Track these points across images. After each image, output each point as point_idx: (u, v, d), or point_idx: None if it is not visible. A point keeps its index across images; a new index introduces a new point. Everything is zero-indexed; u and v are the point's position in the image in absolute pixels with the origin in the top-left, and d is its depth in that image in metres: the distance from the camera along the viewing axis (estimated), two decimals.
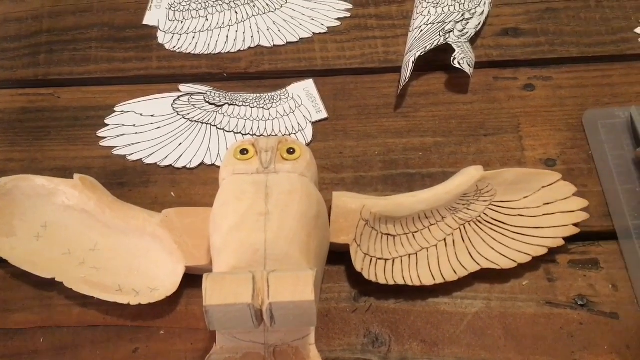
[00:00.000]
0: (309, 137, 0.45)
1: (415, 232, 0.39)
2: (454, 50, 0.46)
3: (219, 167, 0.43)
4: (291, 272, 0.31)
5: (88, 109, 0.46)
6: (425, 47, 0.46)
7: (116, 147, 0.44)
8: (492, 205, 0.40)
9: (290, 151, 0.38)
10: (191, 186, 0.43)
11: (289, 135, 0.45)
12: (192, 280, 0.38)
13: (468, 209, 0.40)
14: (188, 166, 0.43)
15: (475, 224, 0.40)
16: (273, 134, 0.45)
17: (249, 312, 0.30)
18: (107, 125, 0.45)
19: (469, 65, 0.45)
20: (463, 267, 0.38)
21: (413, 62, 0.45)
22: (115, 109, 0.46)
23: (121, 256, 0.39)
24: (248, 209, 0.35)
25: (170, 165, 0.43)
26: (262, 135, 0.45)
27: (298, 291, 0.30)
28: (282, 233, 0.34)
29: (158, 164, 0.44)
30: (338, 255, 0.39)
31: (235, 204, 0.35)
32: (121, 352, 0.37)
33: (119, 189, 0.42)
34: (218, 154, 0.44)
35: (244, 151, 0.38)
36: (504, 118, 0.45)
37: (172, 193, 0.42)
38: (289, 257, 0.33)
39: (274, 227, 0.34)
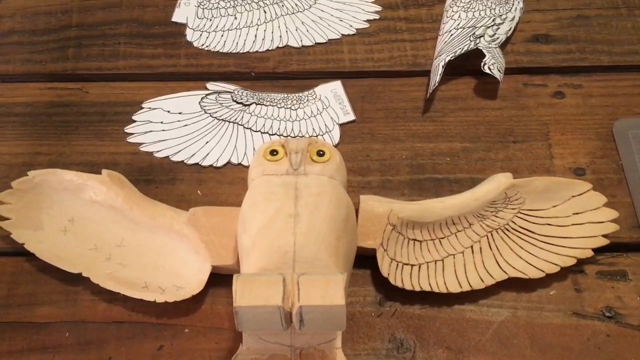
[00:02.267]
0: (336, 139, 0.44)
1: (442, 238, 0.39)
2: (484, 56, 0.45)
3: (245, 166, 0.44)
4: (321, 275, 0.31)
5: (116, 105, 0.46)
6: (456, 51, 0.46)
7: (143, 143, 0.45)
8: (521, 213, 0.40)
9: (320, 153, 0.37)
10: (217, 185, 0.43)
11: (316, 136, 0.45)
12: (217, 279, 0.38)
13: (496, 217, 0.40)
14: (215, 165, 0.43)
15: (503, 232, 0.39)
16: (300, 134, 0.45)
17: (279, 314, 0.30)
18: (134, 121, 0.46)
19: (499, 71, 0.45)
20: (490, 275, 0.38)
21: (443, 67, 0.45)
22: (143, 105, 0.46)
23: (147, 253, 0.39)
24: (277, 210, 0.35)
25: (197, 163, 0.43)
26: (289, 135, 0.45)
27: (329, 295, 0.30)
28: (311, 235, 0.34)
29: (185, 161, 0.44)
30: (363, 259, 0.38)
31: (265, 205, 0.35)
32: (146, 349, 0.37)
33: (145, 186, 0.42)
34: (245, 153, 0.44)
35: (273, 152, 0.38)
36: (533, 125, 0.45)
37: (199, 191, 0.42)
38: (317, 260, 0.33)
39: (303, 229, 0.34)
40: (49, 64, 0.49)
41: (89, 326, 0.38)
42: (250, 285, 0.31)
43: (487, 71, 0.45)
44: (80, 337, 0.37)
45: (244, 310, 0.30)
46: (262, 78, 0.48)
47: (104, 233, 0.40)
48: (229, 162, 0.44)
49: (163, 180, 0.43)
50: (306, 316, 0.30)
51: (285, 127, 0.45)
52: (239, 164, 0.43)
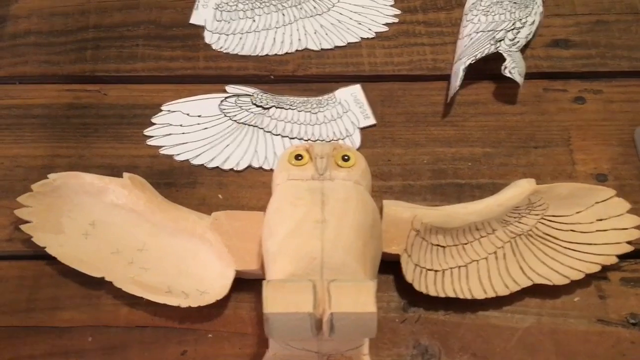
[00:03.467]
0: (357, 143, 0.44)
1: (466, 243, 0.39)
2: (504, 60, 0.45)
3: (266, 170, 0.43)
4: (352, 282, 0.31)
5: (134, 107, 0.46)
6: (476, 55, 0.45)
7: (163, 146, 0.44)
8: (544, 219, 0.40)
9: (345, 158, 0.37)
10: (239, 189, 0.43)
11: (337, 140, 0.44)
12: (240, 284, 0.38)
13: (519, 222, 0.39)
14: (235, 168, 0.43)
15: (527, 238, 0.39)
16: (320, 138, 0.45)
17: (310, 321, 0.30)
18: (153, 124, 0.45)
19: (519, 75, 0.44)
20: (515, 281, 0.38)
21: (464, 71, 0.45)
22: (162, 108, 0.46)
23: (169, 257, 0.39)
24: (304, 215, 0.34)
25: (218, 167, 0.43)
26: (309, 139, 0.45)
27: (360, 302, 0.30)
28: (339, 242, 0.34)
29: (205, 165, 0.43)
30: (386, 264, 0.38)
31: (291, 210, 0.35)
32: (169, 354, 0.37)
33: (166, 189, 0.42)
34: (265, 157, 0.44)
35: (298, 156, 0.37)
36: (554, 131, 0.45)
37: (220, 195, 0.42)
38: (345, 267, 0.33)
39: (331, 235, 0.34)
40: (66, 66, 0.48)
41: (111, 330, 0.37)
42: (281, 291, 0.30)
43: (508, 75, 0.44)
44: (103, 342, 0.37)
45: (275, 317, 0.30)
46: (282, 81, 0.48)
47: (125, 237, 0.40)
48: (249, 166, 0.43)
49: (184, 184, 0.43)
50: (337, 323, 0.30)
51: (306, 131, 0.45)
52: (260, 167, 0.43)
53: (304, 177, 0.37)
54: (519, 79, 0.44)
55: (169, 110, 0.46)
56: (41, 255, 0.39)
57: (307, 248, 0.33)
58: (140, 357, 0.36)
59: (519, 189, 0.40)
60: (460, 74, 0.45)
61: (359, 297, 0.30)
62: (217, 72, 0.48)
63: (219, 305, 0.37)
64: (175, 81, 0.48)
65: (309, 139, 0.45)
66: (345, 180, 0.36)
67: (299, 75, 0.48)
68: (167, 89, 0.47)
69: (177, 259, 0.39)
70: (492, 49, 0.46)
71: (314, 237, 0.34)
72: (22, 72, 0.48)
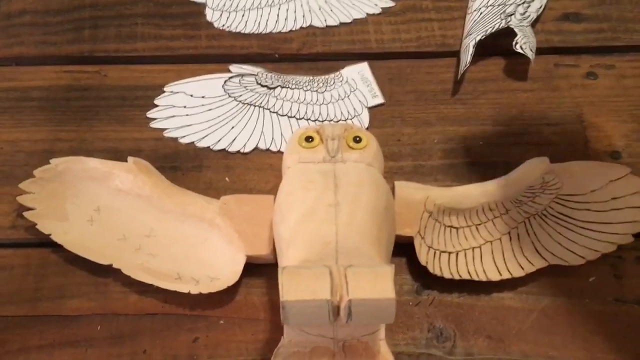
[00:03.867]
0: (366, 123, 0.43)
1: (479, 224, 0.38)
2: (514, 35, 0.44)
3: (273, 152, 0.42)
4: (370, 267, 0.30)
5: (136, 89, 0.45)
6: (486, 30, 0.44)
7: (167, 129, 0.43)
8: (558, 198, 0.39)
9: (357, 139, 0.36)
10: (245, 171, 0.42)
11: (346, 120, 0.43)
12: (250, 269, 0.37)
13: (533, 202, 0.39)
14: (242, 150, 0.42)
15: (541, 218, 0.39)
16: (328, 118, 0.44)
17: (327, 308, 0.29)
18: (156, 106, 0.44)
19: (531, 51, 0.43)
20: (530, 262, 0.37)
21: (474, 47, 0.44)
22: (165, 89, 0.45)
23: (178, 243, 0.38)
24: (317, 199, 0.34)
25: (224, 149, 0.42)
26: (317, 120, 0.44)
27: (378, 288, 0.30)
28: (353, 225, 0.33)
29: (211, 147, 0.42)
30: (398, 247, 0.37)
31: (303, 194, 0.34)
32: (181, 342, 0.36)
33: (171, 173, 0.41)
34: (272, 138, 0.43)
35: (308, 138, 0.36)
36: (567, 107, 0.44)
37: (227, 178, 0.41)
38: (360, 251, 0.32)
39: (345, 219, 0.33)
40: (64, 46, 0.47)
41: (121, 319, 0.37)
42: (297, 278, 0.30)
43: (519, 50, 0.43)
44: (112, 330, 0.36)
45: (291, 305, 0.29)
46: (286, 60, 0.46)
47: (131, 223, 0.39)
48: (256, 148, 0.42)
49: (189, 167, 0.42)
50: (355, 309, 0.29)
51: (313, 111, 0.44)
52: (267, 149, 0.42)
53: (315, 160, 0.36)
54: (530, 54, 0.43)
55: (171, 92, 0.45)
56: (45, 243, 0.38)
57: (321, 233, 0.33)
58: (152, 345, 0.36)
59: (533, 167, 0.39)
60: (470, 50, 0.44)
61: (376, 283, 0.30)
62: (220, 51, 0.47)
63: (230, 291, 0.37)
64: (177, 61, 0.46)
65: (316, 120, 0.44)
66: (357, 163, 0.36)
67: (304, 54, 0.47)
68: (169, 69, 0.46)
69: (185, 245, 0.38)
70: (503, 24, 0.45)
71: (328, 222, 0.33)
72: (18, 53, 0.47)
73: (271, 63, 0.46)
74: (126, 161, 0.39)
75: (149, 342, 0.36)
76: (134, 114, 0.44)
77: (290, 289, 0.29)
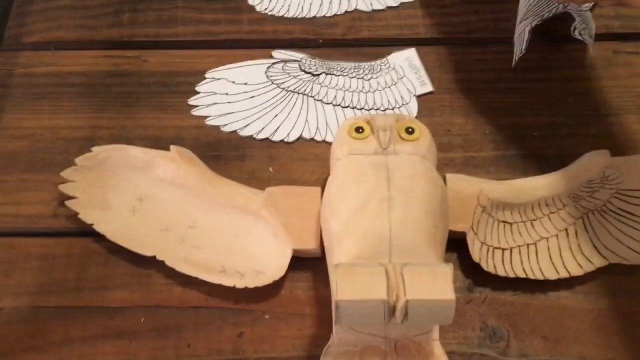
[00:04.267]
0: (414, 112, 0.42)
1: (534, 220, 0.37)
2: (571, 20, 0.42)
3: (318, 141, 0.41)
4: (427, 266, 0.29)
5: (177, 75, 0.44)
6: (543, 15, 0.42)
7: (209, 116, 0.42)
8: (618, 193, 0.37)
9: (409, 130, 0.35)
10: (290, 161, 0.40)
11: (392, 109, 0.42)
12: (296, 262, 0.36)
13: (592, 197, 0.37)
14: (285, 140, 0.41)
15: (600, 214, 0.37)
16: (375, 107, 0.42)
17: (383, 308, 0.28)
18: (197, 92, 0.43)
19: (589, 37, 0.41)
20: (589, 261, 0.35)
21: (529, 32, 0.41)
22: (206, 75, 0.44)
23: (222, 235, 0.37)
24: (369, 193, 0.32)
25: (267, 138, 0.41)
26: (363, 108, 0.42)
27: (436, 288, 0.28)
28: (408, 221, 0.31)
29: (254, 136, 0.41)
30: (449, 242, 0.36)
31: (355, 187, 0.33)
32: (225, 336, 0.35)
33: (214, 162, 0.40)
34: (317, 127, 0.41)
35: (359, 129, 0.35)
36: (626, 97, 0.42)
37: (270, 168, 0.40)
38: (415, 248, 0.31)
39: (399, 214, 0.32)
40: (103, 30, 0.46)
41: (165, 311, 0.36)
42: (352, 277, 0.28)
43: (577, 37, 0.41)
44: (156, 323, 0.36)
45: (346, 304, 0.28)
46: (331, 45, 0.45)
47: (174, 213, 0.38)
48: (300, 137, 0.41)
49: (232, 157, 0.41)
50: (412, 310, 0.28)
51: (359, 99, 0.42)
52: (312, 139, 0.41)
53: (367, 152, 0.34)
54: (589, 40, 0.41)
55: (213, 78, 0.44)
56: (87, 232, 0.37)
57: (374, 228, 0.31)
58: (196, 338, 0.35)
59: (592, 161, 0.37)
60: (526, 35, 0.42)
61: (435, 283, 0.28)
62: (262, 37, 0.45)
63: (275, 285, 0.36)
64: (218, 46, 0.45)
65: (362, 108, 0.42)
66: (410, 155, 0.34)
67: (349, 39, 0.45)
68: (209, 54, 0.45)
69: (230, 237, 0.37)
70: (560, 8, 0.42)
71: (381, 217, 0.31)
72: (57, 37, 0.46)
73: (315, 49, 0.45)
74: (168, 150, 0.38)
75: (193, 335, 0.35)
76: (175, 101, 0.43)
77: (345, 288, 0.28)
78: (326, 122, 0.42)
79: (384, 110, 0.42)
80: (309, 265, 0.37)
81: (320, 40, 0.45)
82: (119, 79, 0.44)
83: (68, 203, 0.38)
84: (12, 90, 0.43)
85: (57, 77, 0.44)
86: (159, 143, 0.41)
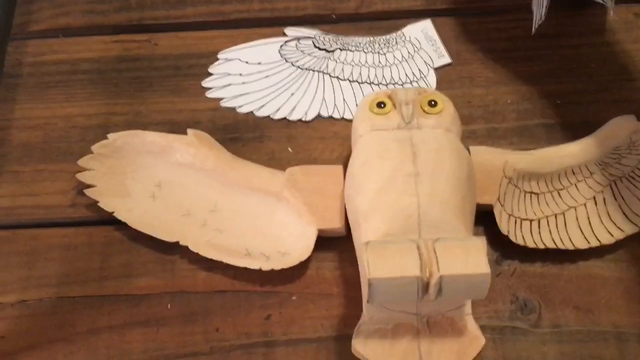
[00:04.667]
0: (433, 85, 0.41)
1: (562, 189, 0.36)
2: None
3: (336, 119, 0.40)
4: (459, 241, 0.29)
5: (189, 57, 0.43)
6: None
7: (224, 98, 0.41)
8: None
9: (432, 103, 0.34)
10: (309, 141, 0.40)
11: (411, 83, 0.41)
12: (320, 242, 0.35)
13: (619, 164, 0.36)
14: (303, 119, 0.40)
15: (628, 181, 0.36)
16: (393, 81, 0.41)
17: (416, 285, 0.28)
18: (211, 74, 0.42)
19: (610, 0, 0.40)
20: (619, 228, 0.35)
21: None
22: (219, 56, 0.43)
23: (243, 217, 0.37)
24: (395, 169, 0.32)
25: (285, 117, 0.40)
26: (380, 83, 0.41)
27: (471, 263, 0.28)
28: (436, 196, 0.31)
29: (271, 116, 0.41)
30: (476, 215, 0.35)
31: (379, 164, 0.32)
32: (253, 319, 0.35)
33: (231, 145, 0.39)
34: (334, 104, 0.41)
35: (380, 104, 0.34)
36: None
37: (289, 148, 0.39)
38: (444, 223, 0.31)
39: (426, 189, 0.31)
40: (112, 15, 0.45)
41: (191, 296, 0.36)
42: (384, 254, 0.28)
43: (598, 0, 0.40)
44: (183, 308, 0.35)
45: (379, 282, 0.28)
46: (344, 20, 0.44)
47: (194, 198, 0.37)
48: (318, 115, 0.40)
49: (250, 138, 0.40)
50: (446, 286, 0.28)
51: (376, 74, 0.41)
52: (330, 116, 0.40)
53: (390, 127, 0.34)
54: (610, 3, 0.40)
55: (226, 59, 0.43)
56: (108, 221, 0.37)
57: (402, 204, 0.31)
58: (224, 322, 0.35)
59: (619, 127, 0.37)
60: (545, 1, 0.40)
61: (469, 257, 0.28)
62: (274, 14, 0.44)
63: (300, 266, 0.35)
64: (230, 26, 0.44)
65: (379, 83, 0.41)
66: (434, 129, 0.33)
67: (362, 13, 0.44)
68: (221, 35, 0.44)
69: (252, 219, 0.37)
70: None
71: (408, 193, 0.31)
72: (65, 24, 0.45)
73: (328, 24, 0.44)
74: (185, 133, 0.38)
75: (220, 319, 0.35)
76: (188, 84, 0.42)
77: (377, 266, 0.28)
78: (343, 99, 0.41)
79: (402, 85, 0.41)
80: (334, 244, 0.36)
81: (333, 16, 0.44)
82: (131, 64, 0.43)
83: (87, 192, 0.37)
84: (22, 80, 0.43)
85: (67, 65, 0.43)
86: (175, 127, 0.40)
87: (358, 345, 0.31)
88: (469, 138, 0.39)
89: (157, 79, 0.42)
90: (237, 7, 0.45)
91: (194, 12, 0.45)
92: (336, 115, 0.40)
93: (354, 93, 0.41)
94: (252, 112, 0.41)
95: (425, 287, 0.28)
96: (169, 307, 0.35)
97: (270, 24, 0.44)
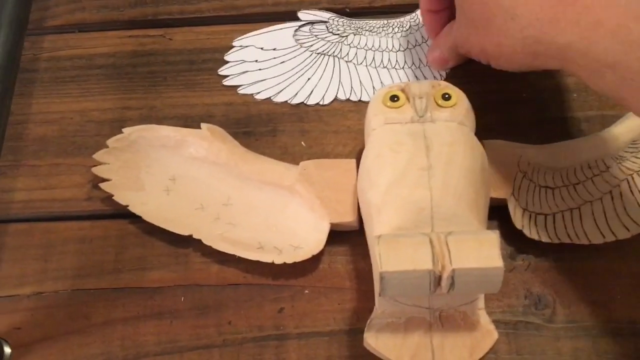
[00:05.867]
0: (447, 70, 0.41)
1: (577, 183, 0.36)
2: None
3: (353, 102, 0.40)
4: (472, 234, 0.28)
5: (203, 52, 0.43)
6: None
7: (241, 85, 0.41)
8: None
9: (446, 97, 0.34)
10: (322, 135, 0.40)
11: (427, 66, 0.41)
12: (333, 236, 0.35)
13: (636, 157, 0.36)
14: (321, 103, 0.40)
15: None
16: (406, 66, 0.41)
17: (429, 278, 0.28)
18: (227, 62, 0.42)
19: None
20: (635, 222, 0.34)
21: None
22: (234, 43, 0.43)
23: (257, 211, 0.37)
24: (408, 162, 0.32)
25: (302, 102, 0.40)
26: (395, 67, 0.41)
27: (483, 256, 0.28)
28: (449, 190, 0.31)
29: (289, 102, 0.40)
30: (489, 209, 0.35)
31: (392, 157, 0.32)
32: (266, 312, 0.35)
33: (245, 139, 0.39)
34: (351, 88, 0.41)
35: (394, 98, 0.34)
36: None
37: (302, 142, 0.39)
38: (457, 217, 0.30)
39: (439, 183, 0.31)
40: (127, 10, 0.45)
41: (204, 289, 0.36)
42: (396, 247, 0.28)
43: None
44: (196, 302, 0.36)
45: (391, 276, 0.28)
46: (359, 14, 0.44)
47: (208, 191, 0.37)
48: (335, 99, 0.40)
49: (263, 132, 0.40)
50: (459, 280, 0.28)
51: (389, 59, 0.41)
52: (347, 99, 0.40)
53: (403, 120, 0.33)
54: None
55: (241, 46, 0.43)
56: (122, 214, 0.37)
57: (414, 198, 0.31)
58: (236, 315, 0.35)
59: (635, 120, 0.36)
60: None
61: (482, 251, 0.28)
62: (288, 8, 0.44)
63: (313, 260, 0.35)
64: (244, 20, 0.44)
65: (394, 67, 0.41)
66: (448, 122, 0.33)
67: (377, 7, 0.44)
68: (235, 29, 0.44)
69: (265, 213, 0.37)
70: None
71: (421, 186, 0.31)
72: (80, 19, 0.45)
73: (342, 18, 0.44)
74: (199, 128, 0.38)
75: (233, 313, 0.35)
76: (202, 78, 0.42)
77: (389, 259, 0.28)
78: (360, 82, 0.41)
79: (417, 68, 0.41)
80: (347, 238, 0.36)
81: (347, 9, 0.44)
82: (145, 59, 0.43)
83: (102, 185, 0.37)
84: (39, 74, 0.43)
85: (83, 60, 0.44)
86: (189, 121, 0.40)
87: (370, 338, 0.31)
88: (483, 131, 0.38)
89: (171, 74, 0.43)
90: (251, 1, 0.45)
91: (208, 7, 0.45)
92: (353, 98, 0.40)
93: (370, 76, 0.41)
94: (269, 98, 0.41)
95: (438, 280, 0.28)
96: (182, 299, 0.36)
97: (284, 18, 0.44)
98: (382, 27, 0.42)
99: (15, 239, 0.38)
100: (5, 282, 0.37)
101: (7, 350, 0.35)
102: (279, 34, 0.43)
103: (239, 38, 0.43)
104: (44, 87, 0.43)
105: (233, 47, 0.43)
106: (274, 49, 0.42)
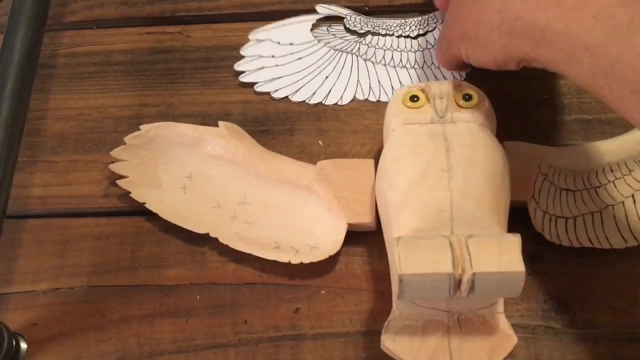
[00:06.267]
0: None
1: (599, 187, 0.35)
2: None
3: (369, 110, 0.40)
4: (493, 237, 0.28)
5: (221, 49, 0.43)
6: None
7: (257, 82, 0.41)
8: None
9: (467, 97, 0.34)
10: (339, 134, 0.39)
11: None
12: (350, 237, 0.35)
13: None
14: (339, 103, 0.40)
15: None
16: (425, 66, 0.41)
17: (448, 282, 0.27)
18: (243, 57, 0.42)
19: None
20: None
21: None
22: (250, 37, 0.43)
23: (273, 210, 0.37)
24: (427, 164, 0.31)
25: (320, 102, 0.40)
26: (413, 67, 0.41)
27: (504, 261, 0.27)
28: (469, 192, 0.30)
29: (307, 101, 0.40)
30: (509, 212, 0.35)
31: (412, 158, 0.32)
32: (282, 312, 0.35)
33: (262, 137, 0.39)
34: (370, 87, 0.40)
35: (414, 98, 0.34)
36: None
37: (320, 142, 0.39)
38: (477, 220, 0.30)
39: (459, 185, 0.30)
40: (145, 7, 0.45)
41: (220, 288, 0.36)
42: (415, 250, 0.28)
43: None
44: (212, 300, 0.35)
45: (410, 278, 0.27)
46: (378, 12, 0.43)
47: (225, 190, 0.37)
48: (354, 99, 0.40)
49: (280, 131, 0.40)
50: (479, 283, 0.27)
51: (408, 58, 0.41)
52: (365, 99, 0.40)
53: (423, 121, 0.33)
54: None
55: (257, 40, 0.42)
56: (139, 211, 0.37)
57: (434, 200, 0.30)
58: (252, 315, 0.35)
59: None
60: None
61: (502, 255, 0.27)
62: (307, 6, 0.44)
63: (330, 260, 0.35)
64: (262, 18, 0.44)
65: (413, 67, 0.41)
66: (469, 123, 0.33)
67: (396, 5, 0.43)
68: (253, 27, 0.43)
69: (282, 212, 0.36)
70: None
71: (441, 188, 0.30)
72: (99, 16, 0.45)
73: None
74: (216, 125, 0.38)
75: (249, 312, 0.35)
76: (220, 76, 0.42)
77: (408, 262, 0.27)
78: (379, 82, 0.40)
79: (437, 67, 0.41)
80: (364, 239, 0.36)
81: (366, 8, 0.43)
82: (163, 56, 0.43)
83: (119, 182, 0.37)
84: (57, 70, 0.43)
85: (101, 56, 0.44)
86: (206, 119, 0.40)
87: (387, 341, 0.30)
88: (504, 132, 0.38)
89: (188, 71, 0.42)
90: None
91: (226, 4, 0.45)
92: (372, 98, 0.40)
93: (389, 75, 0.41)
94: (287, 97, 0.41)
95: (457, 284, 0.28)
96: (198, 298, 0.36)
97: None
98: (399, 26, 0.42)
99: (32, 234, 0.38)
100: (21, 277, 0.37)
101: (24, 345, 0.35)
102: (296, 28, 0.43)
103: (254, 31, 0.43)
104: (62, 83, 0.43)
105: (249, 40, 0.43)
106: (291, 44, 0.42)
